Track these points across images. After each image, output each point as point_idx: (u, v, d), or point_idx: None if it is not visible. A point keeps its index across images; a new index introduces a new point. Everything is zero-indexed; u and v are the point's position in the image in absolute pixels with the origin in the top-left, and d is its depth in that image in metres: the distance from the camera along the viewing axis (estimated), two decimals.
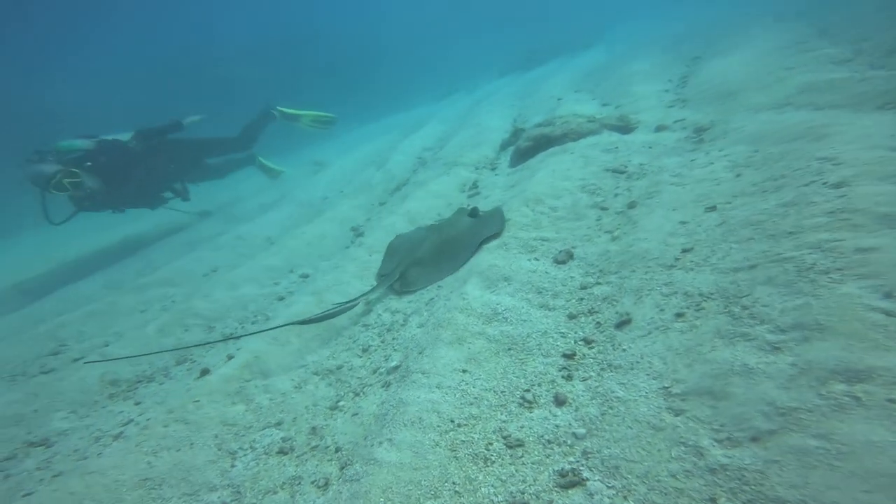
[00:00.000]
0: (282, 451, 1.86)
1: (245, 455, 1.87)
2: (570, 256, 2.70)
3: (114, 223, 7.46)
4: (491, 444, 1.56)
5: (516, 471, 1.47)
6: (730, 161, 3.09)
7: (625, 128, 4.95)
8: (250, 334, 2.75)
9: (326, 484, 1.62)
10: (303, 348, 2.66)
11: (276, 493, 1.63)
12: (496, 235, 3.05)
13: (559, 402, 1.73)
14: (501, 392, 1.80)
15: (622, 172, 3.58)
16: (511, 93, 10.35)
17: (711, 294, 1.91)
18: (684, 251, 2.28)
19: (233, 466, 1.80)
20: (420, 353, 2.13)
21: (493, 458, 1.51)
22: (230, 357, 2.69)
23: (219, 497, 1.64)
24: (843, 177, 2.21)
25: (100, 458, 1.87)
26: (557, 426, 1.62)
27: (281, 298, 3.71)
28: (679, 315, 1.89)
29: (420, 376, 1.92)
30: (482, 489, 1.41)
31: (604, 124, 5.07)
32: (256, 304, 3.73)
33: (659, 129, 4.52)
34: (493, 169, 5.10)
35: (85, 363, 3.22)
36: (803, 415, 1.24)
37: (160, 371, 3.01)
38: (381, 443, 1.60)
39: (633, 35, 11.65)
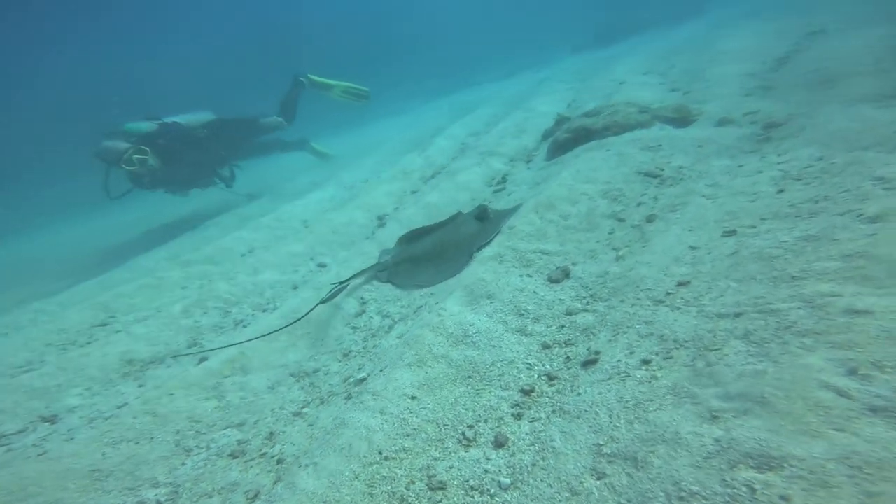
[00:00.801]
0: (233, 455, 1.95)
1: (199, 454, 1.99)
2: (567, 275, 2.55)
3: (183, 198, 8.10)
4: (413, 482, 1.53)
5: None
6: (782, 170, 2.75)
7: (681, 120, 4.56)
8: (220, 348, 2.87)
9: (255, 497, 1.68)
10: (289, 346, 2.76)
11: (210, 497, 1.72)
12: (488, 244, 2.95)
13: (498, 444, 1.66)
14: (444, 425, 1.75)
15: (656, 176, 3.30)
16: (575, 73, 9.86)
17: (685, 342, 1.72)
18: (680, 284, 2.07)
19: (182, 465, 1.93)
20: (381, 371, 2.13)
21: (409, 500, 1.49)
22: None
23: (155, 495, 1.76)
24: (884, 208, 1.88)
25: (68, 443, 2.08)
26: (486, 471, 1.56)
27: (295, 287, 3.86)
28: (645, 362, 1.73)
29: (369, 397, 1.93)
30: None
31: (657, 115, 4.71)
32: (273, 290, 3.91)
33: (722, 122, 4.11)
34: (529, 161, 4.90)
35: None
36: (698, 503, 1.11)
37: (171, 354, 3.26)
38: (307, 466, 1.63)
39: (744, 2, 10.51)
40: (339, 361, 2.58)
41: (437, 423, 1.74)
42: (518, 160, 5.02)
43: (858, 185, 2.17)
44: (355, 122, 13.00)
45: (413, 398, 1.85)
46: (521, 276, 2.59)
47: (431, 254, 3.24)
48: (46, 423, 2.56)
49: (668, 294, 2.05)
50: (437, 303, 2.57)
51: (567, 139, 4.71)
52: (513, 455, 1.61)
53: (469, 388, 1.94)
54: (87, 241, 8.93)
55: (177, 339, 3.48)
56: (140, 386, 2.86)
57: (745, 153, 3.29)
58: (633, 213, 2.93)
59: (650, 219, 2.80)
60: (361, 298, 3.14)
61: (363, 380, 2.22)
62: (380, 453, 1.59)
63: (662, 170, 3.37)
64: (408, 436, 1.67)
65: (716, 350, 1.59)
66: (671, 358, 1.69)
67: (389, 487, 1.49)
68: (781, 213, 2.27)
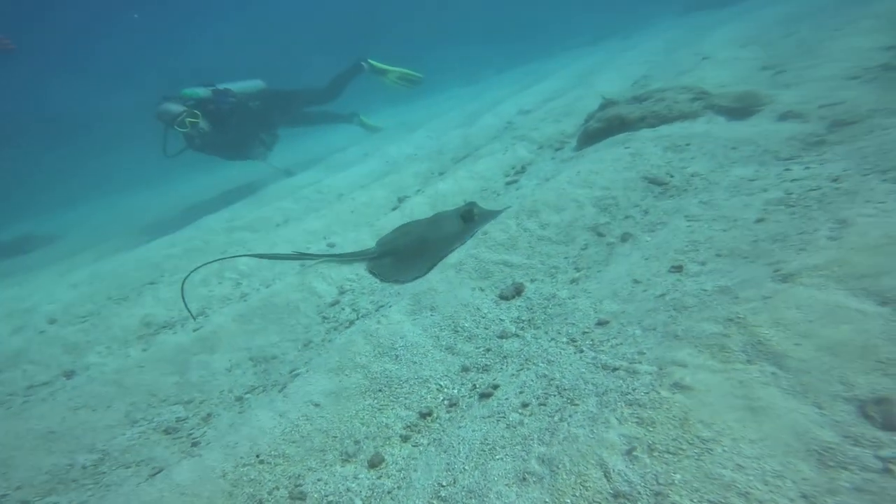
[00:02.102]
0: (166, 431, 2.24)
1: (140, 426, 2.30)
2: (519, 293, 2.51)
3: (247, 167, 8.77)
4: (277, 489, 1.69)
5: None
6: (786, 191, 2.47)
7: (741, 111, 4.12)
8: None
9: (152, 476, 1.93)
10: (260, 329, 3.01)
11: (127, 467, 2.02)
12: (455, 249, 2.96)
13: (372, 464, 1.75)
14: (333, 437, 1.88)
15: (661, 184, 3.07)
16: (666, 42, 9.01)
17: (563, 391, 1.68)
18: (599, 324, 1.99)
19: (122, 434, 2.24)
20: (307, 370, 2.30)
21: (268, 503, 1.65)
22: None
23: (85, 459, 2.08)
24: (801, 267, 1.66)
25: (43, 403, 2.50)
26: (348, 489, 1.67)
27: (302, 265, 4.12)
28: (524, 405, 1.72)
29: (279, 396, 2.10)
30: None
31: (711, 105, 4.28)
32: (282, 266, 4.20)
33: (785, 116, 3.68)
34: (558, 150, 4.71)
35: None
36: None
37: (180, 322, 3.69)
38: (197, 455, 1.85)
39: None
40: (298, 351, 2.79)
41: (327, 434, 1.87)
42: (547, 148, 4.82)
43: (816, 227, 1.89)
44: (426, 90, 13.01)
45: (317, 405, 1.99)
46: (473, 288, 2.59)
47: (412, 250, 3.32)
48: (64, 378, 3.07)
49: (584, 333, 1.98)
50: (388, 306, 2.67)
51: (598, 129, 4.44)
52: (379, 478, 1.70)
53: (375, 402, 2.03)
54: (169, 202, 10.05)
55: (190, 306, 3.91)
56: (144, 350, 3.30)
57: (780, 160, 2.93)
58: (615, 228, 2.77)
59: (624, 238, 2.64)
60: (341, 287, 3.31)
61: (298, 375, 2.40)
62: (257, 456, 1.76)
63: (672, 177, 3.11)
64: (293, 442, 1.82)
65: (575, 405, 1.55)
66: (544, 405, 1.67)
67: (252, 490, 1.66)
68: (737, 250, 2.06)
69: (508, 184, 4.20)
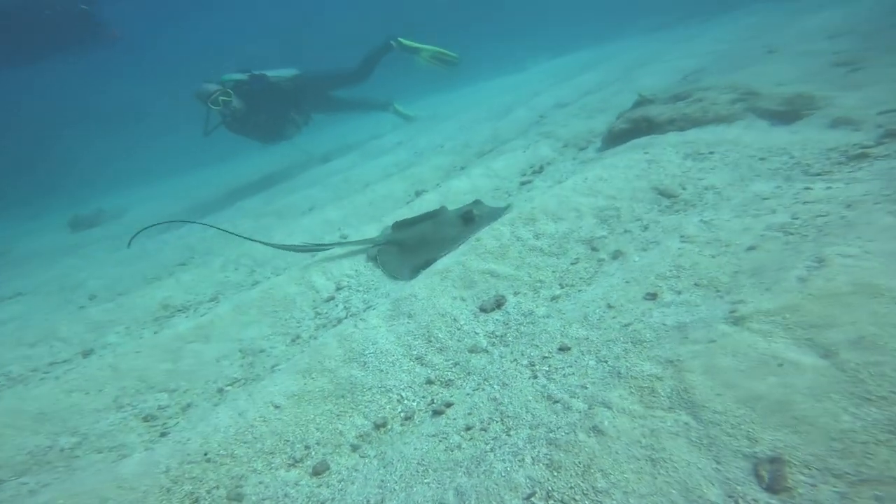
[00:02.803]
0: (146, 419, 2.39)
1: (123, 412, 2.45)
2: (499, 306, 2.48)
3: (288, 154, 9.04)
4: (217, 488, 1.76)
5: None
6: (793, 215, 2.27)
7: (788, 114, 3.83)
8: None
9: (117, 460, 2.06)
10: (254, 322, 3.12)
11: (100, 452, 2.17)
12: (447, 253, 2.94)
13: (316, 471, 1.80)
14: (285, 440, 1.94)
15: (671, 197, 2.91)
16: (746, 28, 8.33)
17: (507, 417, 1.66)
18: (561, 349, 1.93)
19: (105, 419, 2.40)
20: (278, 370, 2.37)
21: (203, 501, 1.72)
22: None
23: (65, 442, 2.24)
24: (755, 310, 1.52)
25: (43, 383, 2.71)
26: (287, 495, 1.72)
27: (314, 255, 4.23)
28: (468, 428, 1.72)
29: (243, 395, 2.18)
30: None
31: (754, 107, 3.99)
32: (295, 256, 4.32)
33: (837, 123, 3.41)
34: (583, 149, 4.55)
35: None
36: None
37: (194, 305, 3.89)
38: (147, 447, 1.96)
39: None
40: (286, 346, 2.88)
41: (279, 437, 1.93)
42: (572, 146, 4.67)
43: (795, 264, 1.73)
44: (474, 77, 12.87)
45: (277, 407, 2.06)
46: (454, 298, 2.58)
47: (411, 248, 3.34)
48: (81, 357, 3.32)
49: (545, 358, 1.93)
50: (370, 308, 2.70)
51: (623, 130, 4.25)
52: (319, 486, 1.74)
53: (335, 407, 2.08)
54: (224, 181, 10.53)
55: (206, 291, 4.12)
56: (155, 333, 3.51)
57: (808, 175, 2.71)
58: (610, 244, 2.66)
59: (615, 255, 2.53)
60: (339, 283, 3.37)
61: (278, 371, 2.48)
62: (205, 454, 1.84)
63: (684, 189, 2.94)
64: (245, 443, 1.89)
65: (509, 436, 1.52)
66: (485, 431, 1.65)
67: (191, 488, 1.74)
68: (715, 281, 1.93)
69: (523, 184, 4.11)
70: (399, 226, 3.70)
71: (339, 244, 3.76)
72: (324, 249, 3.76)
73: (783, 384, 1.30)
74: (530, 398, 1.72)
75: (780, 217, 2.25)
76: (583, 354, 1.84)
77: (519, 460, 1.38)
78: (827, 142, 3.04)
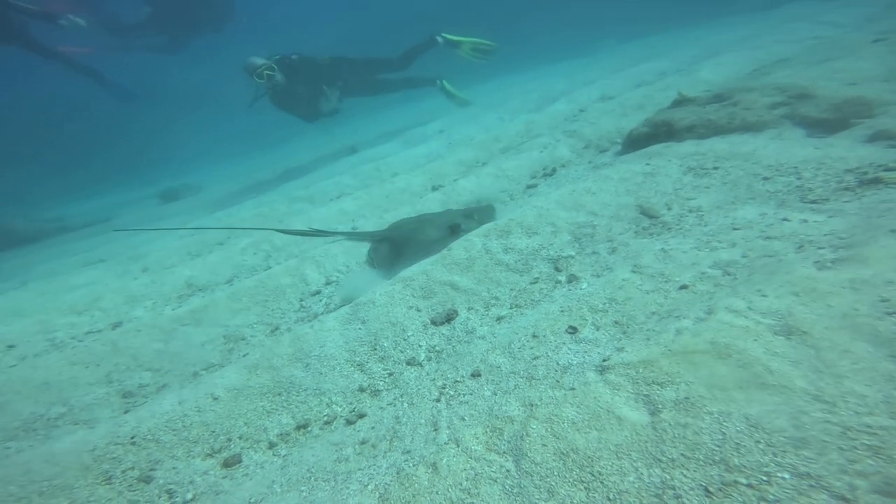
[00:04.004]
0: (124, 395, 2.75)
1: (111, 387, 2.83)
2: (449, 320, 2.57)
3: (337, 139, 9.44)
4: (132, 469, 1.99)
5: None
6: (746, 251, 2.17)
7: (832, 123, 3.56)
8: None
9: (72, 433, 2.39)
10: (244, 309, 3.43)
11: (76, 423, 2.53)
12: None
13: (227, 464, 2.03)
14: (211, 431, 2.17)
15: (652, 217, 2.84)
16: (848, 15, 7.53)
17: (395, 439, 1.79)
18: (473, 376, 2.01)
19: (93, 393, 2.78)
20: (233, 362, 2.63)
21: (114, 482, 1.93)
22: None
23: (55, 411, 2.64)
24: (617, 362, 1.48)
25: (52, 353, 3.15)
26: (192, 482, 1.95)
27: (327, 245, 4.50)
28: (363, 442, 1.86)
29: (193, 382, 2.46)
30: None
31: (795, 113, 3.71)
32: (310, 243, 4.61)
33: (877, 136, 3.15)
34: (603, 151, 4.43)
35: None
36: None
37: (212, 286, 4.30)
38: (91, 427, 2.27)
39: None
40: (265, 336, 3.16)
41: (207, 427, 2.18)
42: (593, 148, 4.55)
43: (694, 312, 1.65)
44: (538, 60, 12.55)
45: (215, 398, 2.31)
46: (410, 307, 2.70)
47: (399, 247, 3.48)
48: (107, 331, 3.81)
49: (457, 382, 2.01)
50: (327, 312, 2.89)
51: (643, 135, 4.09)
52: (224, 477, 1.96)
53: (268, 404, 2.30)
54: (284, 161, 11.18)
55: (225, 273, 4.52)
56: (173, 309, 3.94)
57: (802, 202, 2.52)
58: (573, 265, 2.65)
59: (570, 279, 2.53)
60: (329, 278, 3.60)
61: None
62: (132, 437, 2.11)
63: (669, 209, 2.84)
64: (173, 430, 2.16)
65: (383, 457, 1.66)
66: (374, 448, 1.79)
67: (107, 467, 1.98)
68: (632, 321, 1.92)
69: (529, 187, 4.10)
70: (397, 225, 3.85)
71: (340, 234, 3.98)
72: (326, 236, 4.00)
73: (599, 439, 1.33)
74: (421, 421, 1.83)
75: (733, 253, 2.15)
76: (486, 384, 1.91)
77: (365, 485, 1.51)
78: (849, 160, 2.78)
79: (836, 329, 1.43)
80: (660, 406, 1.40)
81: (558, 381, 1.65)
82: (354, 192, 5.65)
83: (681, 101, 4.64)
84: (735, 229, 2.39)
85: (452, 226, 3.35)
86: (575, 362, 1.77)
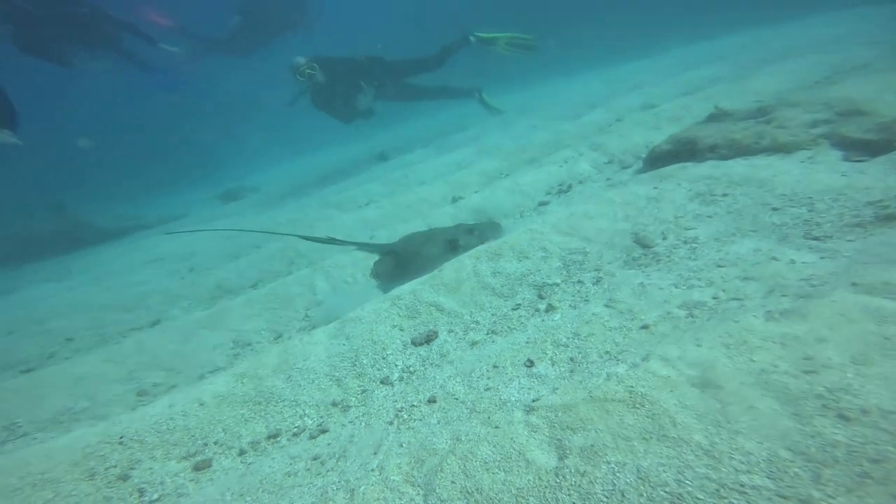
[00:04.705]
0: (139, 393, 3.04)
1: (131, 384, 3.13)
2: (428, 342, 2.67)
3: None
4: (114, 468, 2.17)
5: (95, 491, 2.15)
6: (717, 293, 2.11)
7: (876, 144, 3.32)
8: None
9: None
10: (256, 315, 3.68)
11: (94, 418, 2.83)
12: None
13: (197, 468, 2.18)
14: (192, 436, 2.34)
15: (646, 247, 2.81)
16: None
17: (341, 458, 1.92)
18: (430, 401, 2.10)
19: (116, 389, 3.10)
20: (225, 369, 2.85)
21: (97, 478, 2.12)
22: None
23: (80, 406, 2.94)
24: (545, 405, 1.51)
25: (90, 352, 3.50)
26: (162, 483, 2.10)
27: (339, 254, 4.72)
28: (315, 458, 1.99)
29: (187, 387, 2.70)
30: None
31: (835, 133, 3.49)
32: (329, 250, 4.82)
33: None
34: (626, 168, 4.36)
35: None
36: None
37: (238, 289, 4.62)
38: (92, 424, 2.55)
39: None
40: (269, 342, 3.39)
41: (188, 432, 2.39)
42: (616, 163, 4.48)
43: (629, 357, 1.64)
44: (596, 62, 12.31)
45: (201, 404, 2.53)
46: (393, 326, 2.82)
47: (403, 264, 3.62)
48: (142, 329, 4.21)
49: (413, 406, 2.11)
50: (315, 326, 3.07)
51: (665, 152, 3.99)
52: (191, 480, 2.13)
53: (248, 412, 2.49)
54: (330, 162, 11.64)
55: (252, 276, 4.84)
56: (206, 309, 4.27)
57: (804, 239, 2.42)
58: (556, 294, 2.68)
59: (549, 309, 2.55)
60: (336, 288, 3.80)
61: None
62: (120, 437, 2.33)
63: (665, 238, 2.80)
64: (158, 432, 2.39)
65: (322, 477, 1.80)
66: (322, 465, 1.92)
67: (93, 464, 2.18)
68: (584, 359, 1.94)
69: (541, 204, 4.11)
70: (405, 238, 3.99)
71: (353, 244, 4.18)
72: (341, 245, 4.21)
73: (505, 481, 1.39)
74: (369, 443, 1.94)
75: (706, 293, 2.11)
76: (437, 412, 2.00)
77: (294, 503, 1.64)
78: (874, 191, 2.63)
79: (749, 384, 1.42)
80: (568, 451, 1.44)
81: (489, 418, 1.72)
82: (381, 199, 5.85)
83: (717, 116, 4.48)
84: (720, 266, 2.33)
85: (451, 243, 3.44)
86: (513, 399, 1.83)
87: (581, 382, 1.69)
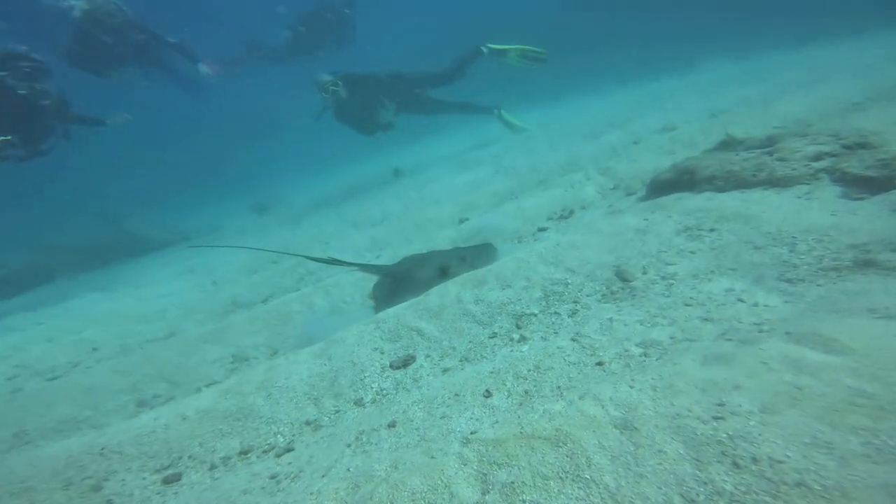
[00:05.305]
0: (139, 403, 3.27)
1: (134, 394, 3.38)
2: (405, 366, 2.81)
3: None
4: (90, 478, 2.30)
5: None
6: (675, 332, 2.17)
7: (877, 182, 3.28)
8: None
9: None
10: (256, 331, 3.90)
11: (94, 427, 3.08)
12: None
13: (167, 481, 2.30)
14: (170, 449, 2.46)
15: (625, 281, 2.87)
16: None
17: (293, 479, 2.05)
18: (390, 426, 2.22)
19: (119, 399, 3.34)
20: (215, 385, 3.06)
21: (73, 486, 2.32)
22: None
23: (84, 415, 3.19)
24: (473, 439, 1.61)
25: (99, 364, 3.78)
26: (132, 494, 2.26)
27: (341, 274, 4.91)
28: (273, 477, 2.13)
29: (169, 402, 2.92)
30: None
31: (837, 168, 3.45)
32: (333, 271, 5.03)
33: None
34: (629, 195, 4.40)
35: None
36: None
37: (249, 304, 4.88)
38: (87, 434, 2.78)
39: None
40: (266, 358, 3.60)
41: (166, 444, 2.56)
42: (621, 189, 4.53)
43: (570, 395, 1.72)
44: (633, 77, 12.27)
45: (184, 418, 2.73)
46: (374, 349, 2.97)
47: (396, 286, 3.78)
48: (167, 337, 4.51)
49: (374, 430, 2.23)
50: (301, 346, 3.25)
51: (666, 181, 4.02)
52: (158, 493, 2.25)
53: (226, 427, 2.66)
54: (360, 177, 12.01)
55: (264, 292, 5.11)
56: (213, 326, 4.54)
57: (777, 280, 2.43)
58: (531, 324, 2.77)
59: (521, 340, 2.65)
60: (333, 307, 3.99)
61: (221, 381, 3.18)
62: (102, 448, 2.52)
63: (645, 273, 2.86)
64: (139, 444, 2.57)
65: (273, 497, 1.96)
66: (278, 484, 2.07)
67: (72, 474, 2.35)
68: (537, 393, 2.02)
69: (540, 230, 4.20)
70: (404, 260, 4.16)
71: (354, 265, 4.37)
72: (343, 266, 4.41)
73: None
74: (323, 465, 2.07)
75: (665, 332, 2.17)
76: (392, 437, 2.12)
77: None
78: (860, 234, 2.61)
79: (662, 428, 1.49)
80: (491, 487, 1.54)
81: (430, 447, 1.83)
82: (395, 218, 6.06)
83: (728, 143, 4.48)
84: (687, 305, 2.38)
85: (443, 268, 3.58)
86: (460, 429, 1.93)
87: (519, 417, 1.79)
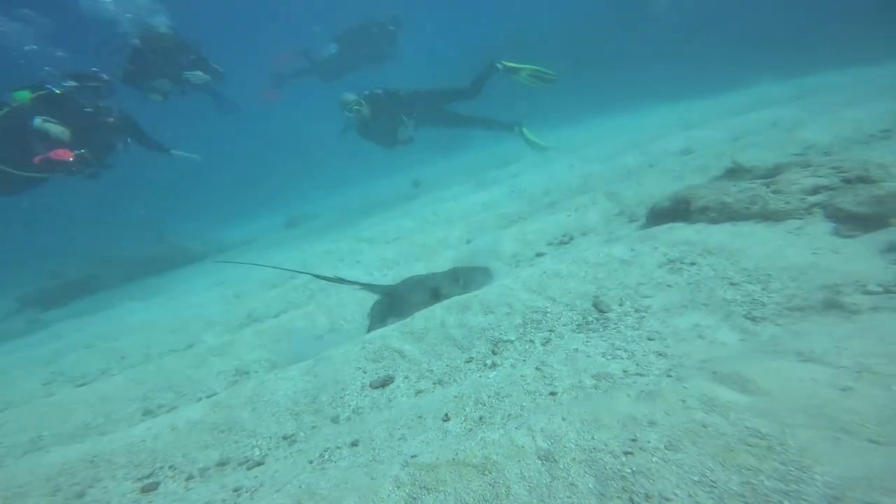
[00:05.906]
0: (145, 412, 3.56)
1: (142, 403, 3.63)
2: (384, 385, 2.97)
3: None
4: (76, 485, 2.50)
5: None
6: (630, 366, 2.27)
7: (869, 220, 3.20)
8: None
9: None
10: (260, 346, 4.15)
11: (102, 434, 3.37)
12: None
13: (145, 489, 2.47)
14: (154, 458, 2.59)
15: (601, 312, 2.97)
16: None
17: (256, 490, 2.25)
18: (353, 444, 2.38)
19: (128, 407, 3.62)
20: (209, 395, 3.29)
21: (60, 493, 2.61)
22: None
23: (96, 422, 3.49)
24: (428, 464, 1.76)
25: (120, 374, 4.09)
26: (108, 502, 2.57)
27: (345, 293, 5.12)
28: (236, 489, 2.32)
29: (168, 412, 3.17)
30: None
31: (831, 203, 3.41)
32: (340, 289, 5.25)
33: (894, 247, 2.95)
34: (632, 221, 4.47)
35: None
36: None
37: (263, 318, 5.16)
38: (85, 441, 3.05)
39: None
40: (265, 371, 3.84)
41: (153, 454, 2.76)
42: (624, 216, 4.60)
43: (524, 424, 1.84)
44: (660, 97, 12.20)
45: (174, 429, 2.95)
46: (357, 368, 3.14)
47: (399, 305, 3.97)
48: (186, 348, 4.83)
49: (338, 448, 2.40)
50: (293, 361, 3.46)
51: (664, 210, 4.08)
52: (134, 502, 2.50)
53: (210, 439, 2.85)
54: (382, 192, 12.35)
55: (277, 307, 5.39)
56: (228, 338, 4.83)
57: (746, 319, 2.48)
58: (506, 350, 2.89)
59: (491, 366, 2.78)
60: (333, 325, 4.20)
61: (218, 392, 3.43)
62: (93, 457, 2.74)
63: (621, 305, 2.94)
64: (128, 453, 2.77)
65: None
66: (238, 497, 2.27)
67: (62, 480, 2.53)
68: (491, 419, 2.14)
69: (538, 255, 4.31)
70: (404, 282, 4.35)
71: (358, 284, 4.59)
72: (348, 285, 4.64)
73: None
74: (282, 481, 2.23)
75: (619, 366, 2.26)
76: (350, 456, 2.26)
77: None
78: (835, 274, 2.63)
79: (578, 461, 1.59)
80: None
81: (375, 468, 1.99)
82: (409, 236, 6.27)
83: (734, 171, 4.49)
84: (649, 339, 2.46)
85: (436, 290, 3.74)
86: (409, 451, 2.08)
87: (458, 443, 1.93)
